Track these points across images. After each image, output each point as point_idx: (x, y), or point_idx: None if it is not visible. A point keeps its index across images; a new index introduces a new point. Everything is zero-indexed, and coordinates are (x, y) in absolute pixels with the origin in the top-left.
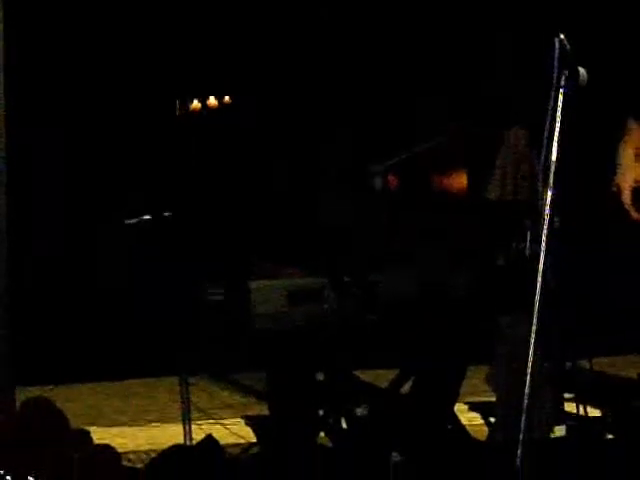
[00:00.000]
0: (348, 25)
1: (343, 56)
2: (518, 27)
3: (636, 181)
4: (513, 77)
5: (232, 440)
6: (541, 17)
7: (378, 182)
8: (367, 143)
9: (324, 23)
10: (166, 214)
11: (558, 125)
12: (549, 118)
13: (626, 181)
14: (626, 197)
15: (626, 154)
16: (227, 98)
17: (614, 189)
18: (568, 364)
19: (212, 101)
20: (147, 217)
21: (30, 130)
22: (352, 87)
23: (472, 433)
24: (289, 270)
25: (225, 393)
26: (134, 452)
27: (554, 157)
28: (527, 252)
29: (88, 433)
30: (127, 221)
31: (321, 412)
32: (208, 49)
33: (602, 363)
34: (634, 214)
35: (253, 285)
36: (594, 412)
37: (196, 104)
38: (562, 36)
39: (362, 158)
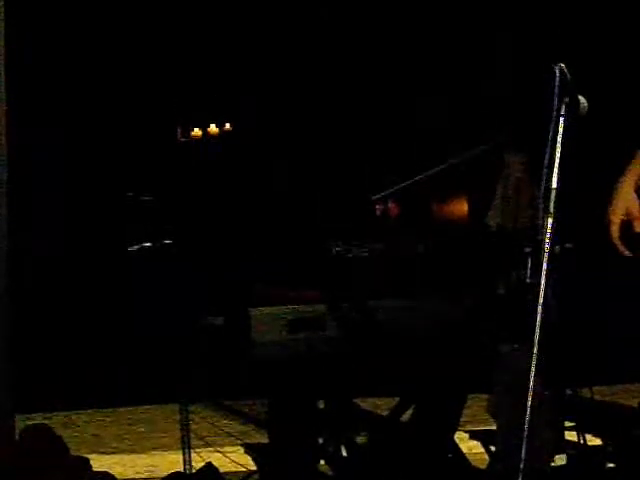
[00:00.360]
0: (348, 28)
1: (344, 61)
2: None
3: (628, 213)
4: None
5: (232, 468)
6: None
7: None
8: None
9: (323, 30)
10: (167, 241)
11: (558, 153)
12: (549, 146)
13: (615, 213)
14: (614, 231)
15: (623, 182)
16: (228, 125)
17: (606, 221)
18: (569, 393)
19: (213, 129)
20: (148, 244)
21: (31, 141)
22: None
23: (472, 462)
24: (294, 294)
25: (225, 421)
26: None
27: (554, 184)
28: (527, 280)
29: (87, 460)
30: (129, 248)
31: (321, 440)
32: (210, 76)
33: (603, 392)
34: (620, 248)
35: (253, 312)
36: (595, 441)
37: (197, 131)
38: (562, 65)
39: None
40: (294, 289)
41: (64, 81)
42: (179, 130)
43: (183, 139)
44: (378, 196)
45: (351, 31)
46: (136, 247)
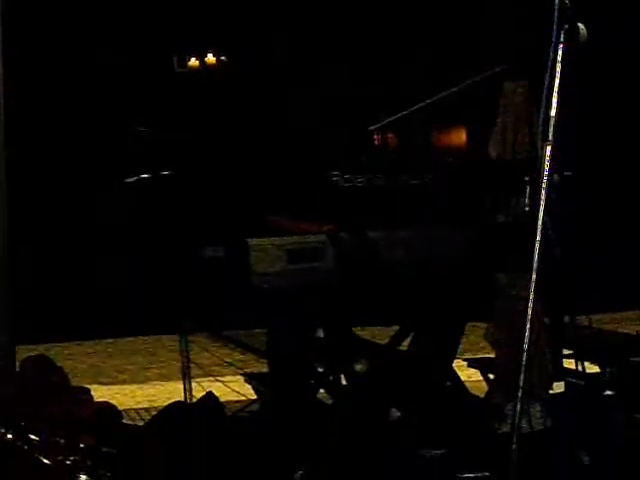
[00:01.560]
0: None
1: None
2: None
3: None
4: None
5: (232, 397)
6: None
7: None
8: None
9: None
10: (165, 172)
11: (557, 81)
12: (548, 73)
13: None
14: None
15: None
16: (224, 57)
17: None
18: (567, 321)
19: (210, 59)
20: (146, 176)
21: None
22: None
23: (471, 389)
24: (295, 224)
25: (225, 351)
26: (134, 409)
27: (553, 112)
28: (526, 208)
29: (88, 391)
30: (127, 180)
31: (321, 369)
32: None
33: (601, 320)
34: None
35: (252, 243)
36: (593, 368)
37: (194, 62)
38: None
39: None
40: (295, 219)
41: (61, 5)
42: (175, 60)
43: (180, 69)
44: (376, 126)
45: None
46: (134, 178)
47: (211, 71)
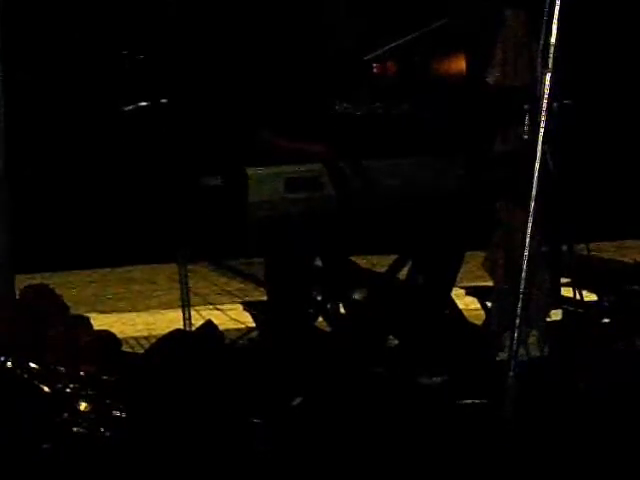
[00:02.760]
0: None
1: None
2: None
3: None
4: None
5: (231, 325)
6: None
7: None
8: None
9: None
10: (163, 100)
11: (557, 8)
12: (548, 1)
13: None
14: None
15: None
16: None
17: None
18: (564, 249)
19: None
20: (144, 104)
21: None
22: None
23: (469, 317)
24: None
25: (224, 279)
26: (134, 338)
27: (553, 40)
28: (525, 136)
29: (88, 319)
30: (125, 108)
31: (319, 297)
32: None
33: (600, 248)
34: None
35: (250, 172)
36: (590, 297)
37: None
38: None
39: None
40: (297, 143)
41: None
42: None
43: None
44: (372, 55)
45: None
46: (131, 107)
47: None
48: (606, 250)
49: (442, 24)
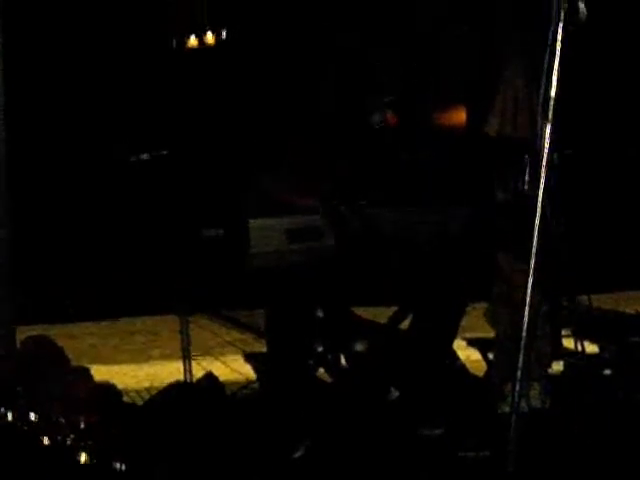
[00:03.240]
0: None
1: None
2: None
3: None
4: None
5: (232, 377)
6: None
7: (377, 118)
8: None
9: None
10: (164, 152)
11: (557, 60)
12: (548, 53)
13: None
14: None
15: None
16: (224, 34)
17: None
18: (566, 300)
19: (209, 38)
20: (145, 155)
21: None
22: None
23: (470, 369)
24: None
25: (224, 330)
26: (135, 389)
27: (553, 92)
28: (525, 188)
29: (89, 371)
30: (127, 159)
31: (320, 349)
32: None
33: (601, 299)
34: None
35: (251, 223)
36: (592, 348)
37: (193, 40)
38: None
39: (360, 94)
40: (295, 195)
41: (60, 24)
42: (174, 40)
43: (178, 48)
44: (372, 106)
45: None
46: (134, 158)
47: (210, 49)
48: (607, 301)
49: (443, 73)
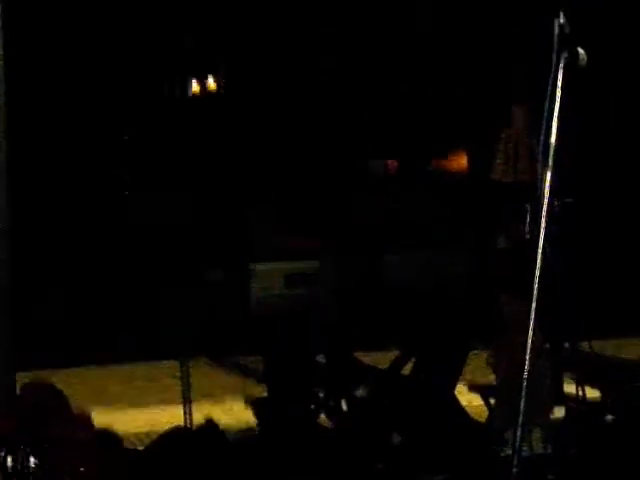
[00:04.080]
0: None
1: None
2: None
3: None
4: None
5: (232, 422)
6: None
7: (378, 165)
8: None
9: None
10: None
11: (557, 106)
12: (548, 99)
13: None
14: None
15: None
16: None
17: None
18: (567, 346)
19: (211, 84)
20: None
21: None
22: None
23: (472, 414)
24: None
25: (225, 375)
26: (135, 434)
27: (553, 138)
28: (527, 235)
29: (89, 416)
30: (126, 194)
31: (322, 394)
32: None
33: (602, 345)
34: None
35: (252, 267)
36: (594, 394)
37: (195, 87)
38: (562, 17)
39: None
40: (298, 238)
41: (57, 31)
42: (177, 85)
43: (181, 94)
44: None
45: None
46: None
47: (212, 96)
48: (609, 347)
49: (446, 121)
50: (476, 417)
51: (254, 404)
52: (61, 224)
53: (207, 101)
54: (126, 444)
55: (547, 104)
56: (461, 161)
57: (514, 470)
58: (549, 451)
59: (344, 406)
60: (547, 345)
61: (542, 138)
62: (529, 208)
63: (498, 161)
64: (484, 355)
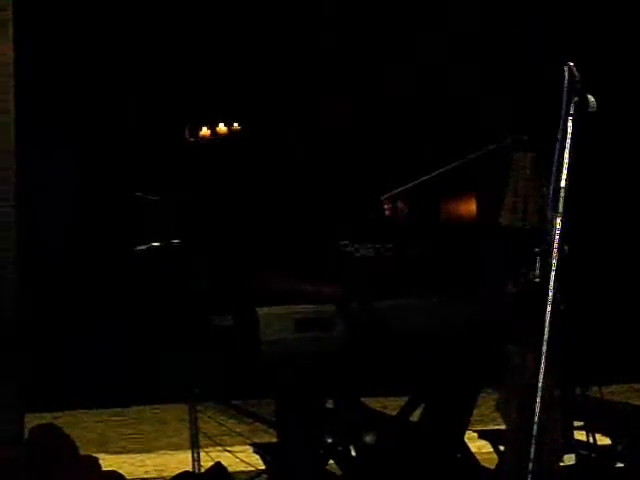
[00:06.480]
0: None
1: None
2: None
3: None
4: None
5: (240, 468)
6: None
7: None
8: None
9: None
10: (175, 241)
11: (567, 152)
12: (558, 144)
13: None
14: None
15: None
16: (236, 125)
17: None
18: (578, 392)
19: (222, 128)
20: (156, 244)
21: (39, 142)
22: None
23: (481, 461)
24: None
25: (233, 420)
26: (143, 479)
27: (563, 184)
28: (537, 280)
29: (97, 460)
30: (137, 248)
31: (330, 440)
32: (218, 76)
33: (613, 391)
34: None
35: (261, 312)
36: (604, 440)
37: (205, 131)
38: (571, 64)
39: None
40: (307, 284)
41: (70, 81)
42: (187, 130)
43: (191, 139)
44: (387, 195)
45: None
46: (144, 247)
47: (221, 140)
48: (619, 393)
49: (454, 166)
50: (486, 464)
51: (262, 449)
52: (74, 265)
53: (215, 149)
54: None
55: (557, 150)
56: (470, 206)
57: None
58: None
59: (353, 452)
60: (557, 391)
61: (552, 184)
62: (539, 252)
63: (506, 206)
64: (493, 399)
